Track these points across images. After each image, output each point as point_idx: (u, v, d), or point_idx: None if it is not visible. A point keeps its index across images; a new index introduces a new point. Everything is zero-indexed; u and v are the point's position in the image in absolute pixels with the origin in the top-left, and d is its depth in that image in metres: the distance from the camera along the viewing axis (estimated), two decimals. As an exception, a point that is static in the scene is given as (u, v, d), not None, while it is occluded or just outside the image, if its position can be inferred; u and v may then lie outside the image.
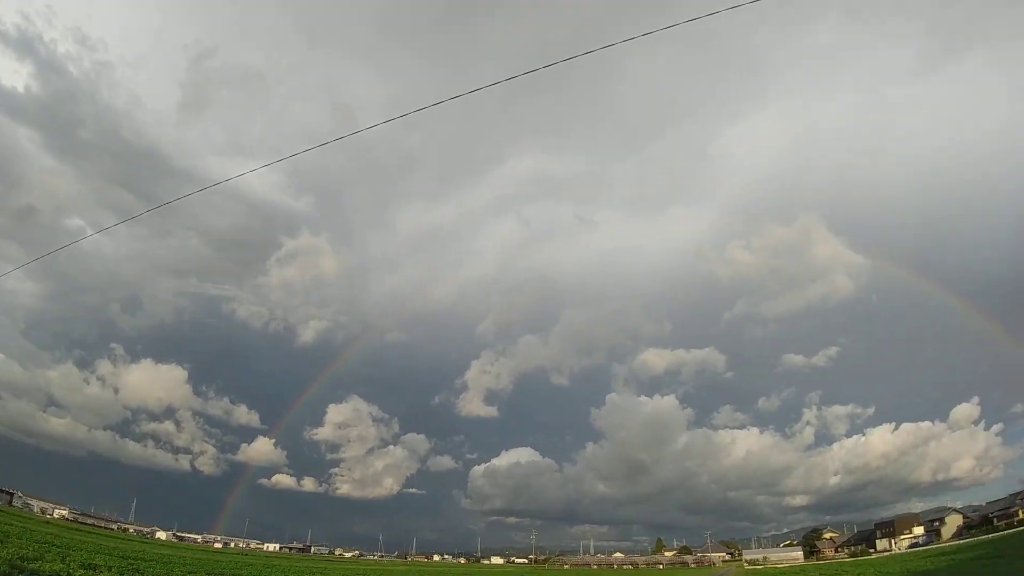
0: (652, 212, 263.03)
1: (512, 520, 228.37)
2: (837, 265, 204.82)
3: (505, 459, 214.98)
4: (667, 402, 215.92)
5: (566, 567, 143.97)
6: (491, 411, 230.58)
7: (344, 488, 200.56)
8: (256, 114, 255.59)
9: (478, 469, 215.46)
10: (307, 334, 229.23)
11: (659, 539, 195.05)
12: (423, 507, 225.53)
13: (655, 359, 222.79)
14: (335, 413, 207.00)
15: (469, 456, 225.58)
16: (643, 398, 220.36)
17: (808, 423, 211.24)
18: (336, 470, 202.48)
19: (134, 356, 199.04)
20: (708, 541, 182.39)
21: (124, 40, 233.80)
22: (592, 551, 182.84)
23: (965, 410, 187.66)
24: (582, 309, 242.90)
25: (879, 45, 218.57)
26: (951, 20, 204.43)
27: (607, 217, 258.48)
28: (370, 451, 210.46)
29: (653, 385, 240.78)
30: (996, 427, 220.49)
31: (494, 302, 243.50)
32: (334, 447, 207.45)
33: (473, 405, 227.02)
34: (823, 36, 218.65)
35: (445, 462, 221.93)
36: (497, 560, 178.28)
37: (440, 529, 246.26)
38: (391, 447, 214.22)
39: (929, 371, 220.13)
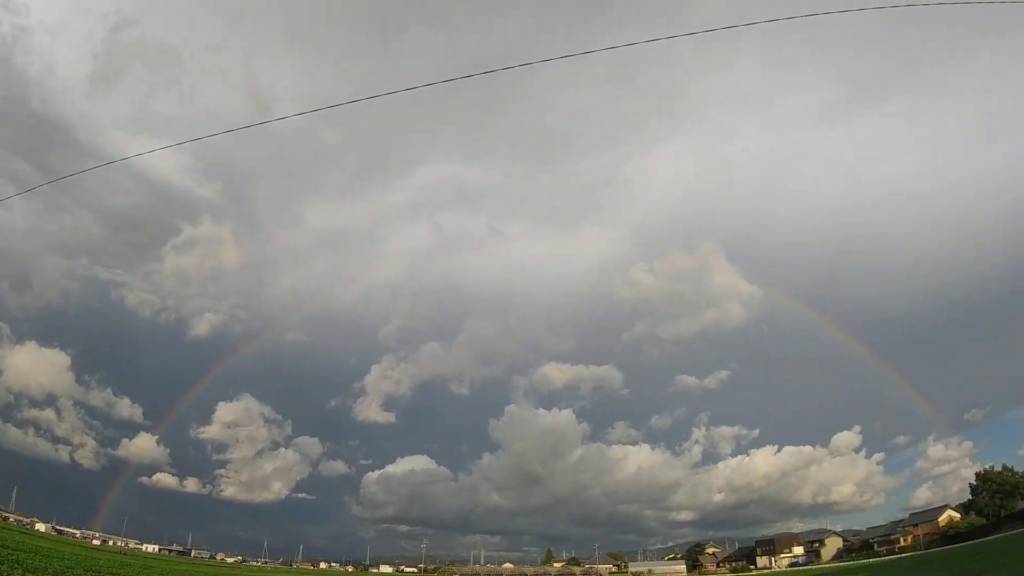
0: (563, 229, 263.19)
1: (404, 528, 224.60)
2: (732, 293, 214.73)
3: (400, 466, 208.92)
4: (564, 416, 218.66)
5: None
6: (389, 417, 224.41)
7: (230, 490, 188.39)
8: (167, 92, 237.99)
9: (372, 476, 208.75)
10: (201, 327, 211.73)
11: (548, 550, 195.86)
12: (312, 513, 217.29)
13: (555, 373, 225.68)
14: (225, 411, 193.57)
15: (363, 462, 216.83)
16: (541, 411, 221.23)
17: (697, 442, 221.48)
18: (222, 471, 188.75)
19: (20, 337, 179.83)
20: (596, 553, 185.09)
21: (46, 4, 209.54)
22: (482, 561, 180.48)
23: (846, 437, 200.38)
24: (487, 320, 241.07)
25: (790, 91, 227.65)
26: (860, 73, 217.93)
27: (519, 230, 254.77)
28: (260, 453, 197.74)
29: (552, 398, 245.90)
30: (877, 456, 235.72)
31: (399, 307, 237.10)
32: (221, 447, 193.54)
33: (371, 410, 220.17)
34: (739, 78, 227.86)
35: (338, 467, 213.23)
36: (386, 569, 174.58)
37: (329, 536, 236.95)
38: (282, 449, 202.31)
39: (813, 399, 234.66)
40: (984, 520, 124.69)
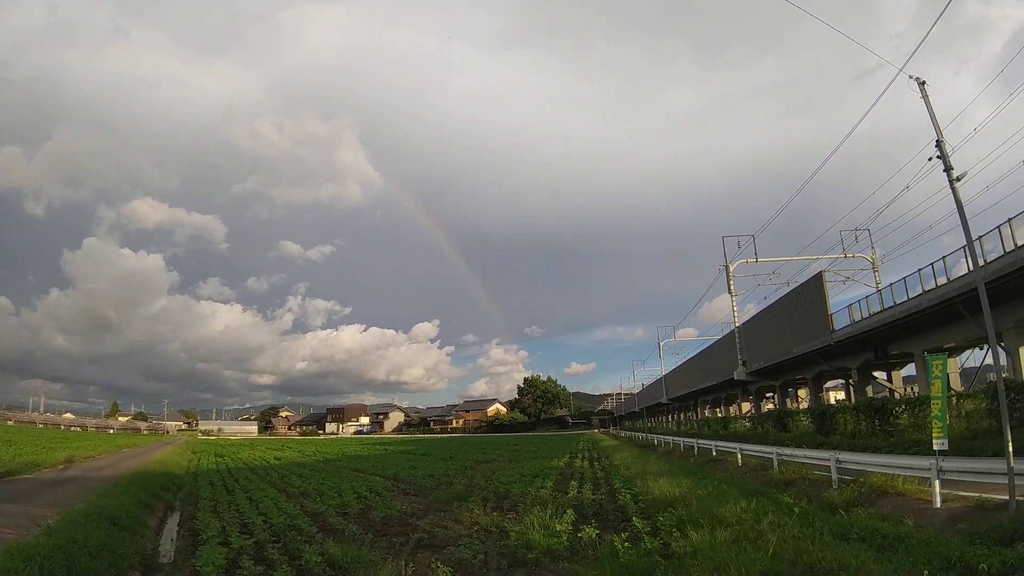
0: (197, 54, 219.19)
1: None
2: (355, 173, 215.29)
3: None
4: (152, 261, 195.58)
5: (9, 423, 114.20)
6: None
7: None
8: None
9: None
10: None
11: (115, 403, 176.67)
12: None
13: (149, 211, 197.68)
14: None
15: None
16: (127, 251, 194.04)
17: (291, 310, 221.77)
18: None
19: None
20: (166, 409, 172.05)
21: None
22: (42, 408, 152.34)
23: (425, 328, 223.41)
24: (83, 133, 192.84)
25: (467, 5, 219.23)
26: (530, 16, 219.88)
27: (145, 38, 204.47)
28: None
29: (141, 239, 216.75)
30: (448, 348, 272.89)
31: None
32: None
33: None
34: None
35: None
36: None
37: None
38: None
39: (405, 288, 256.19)
40: (526, 418, 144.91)
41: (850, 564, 7.61)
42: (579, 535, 10.94)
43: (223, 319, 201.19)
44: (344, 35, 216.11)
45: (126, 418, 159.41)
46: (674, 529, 10.78)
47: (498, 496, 18.17)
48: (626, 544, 9.78)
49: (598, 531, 11.30)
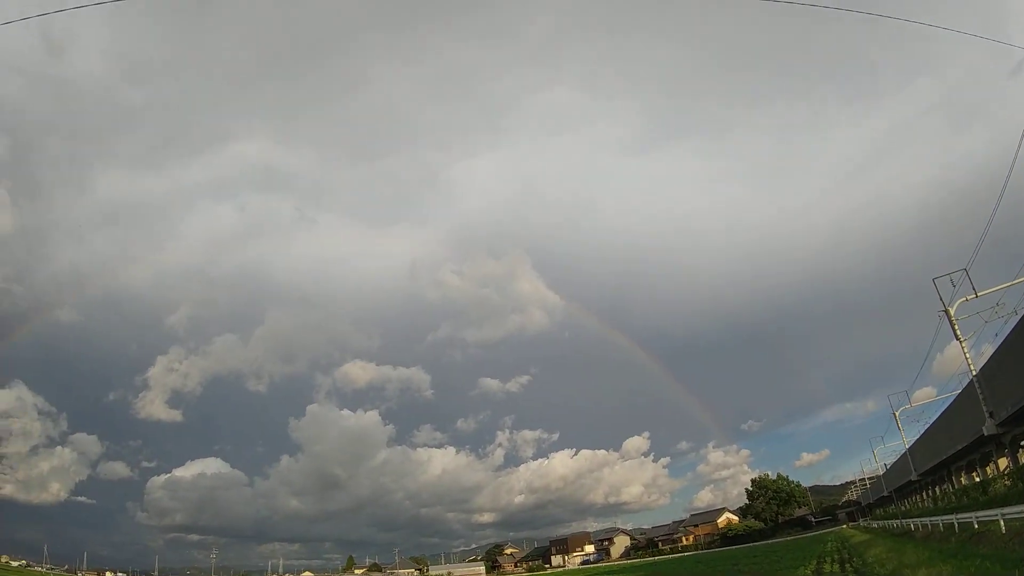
0: (375, 225, 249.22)
1: (195, 537, 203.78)
2: (536, 300, 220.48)
3: (189, 470, 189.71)
4: (369, 417, 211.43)
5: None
6: (175, 415, 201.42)
7: (7, 488, 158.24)
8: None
9: (157, 480, 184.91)
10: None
11: (350, 557, 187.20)
12: (94, 518, 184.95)
13: (360, 373, 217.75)
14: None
15: (147, 464, 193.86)
16: (345, 412, 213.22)
17: (500, 445, 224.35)
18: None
19: None
20: (398, 558, 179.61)
21: None
22: (281, 570, 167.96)
23: (636, 442, 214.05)
24: (290, 313, 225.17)
25: (602, 119, 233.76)
26: (663, 109, 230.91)
27: (329, 221, 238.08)
28: (34, 449, 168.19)
29: (356, 399, 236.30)
30: (663, 460, 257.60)
31: (191, 293, 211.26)
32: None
33: (155, 407, 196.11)
34: (557, 100, 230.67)
35: (119, 469, 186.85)
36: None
37: (113, 544, 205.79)
38: (59, 447, 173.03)
39: (607, 405, 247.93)
40: (762, 524, 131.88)
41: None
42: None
43: (439, 463, 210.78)
44: (499, 178, 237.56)
45: (361, 571, 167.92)
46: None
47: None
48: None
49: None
